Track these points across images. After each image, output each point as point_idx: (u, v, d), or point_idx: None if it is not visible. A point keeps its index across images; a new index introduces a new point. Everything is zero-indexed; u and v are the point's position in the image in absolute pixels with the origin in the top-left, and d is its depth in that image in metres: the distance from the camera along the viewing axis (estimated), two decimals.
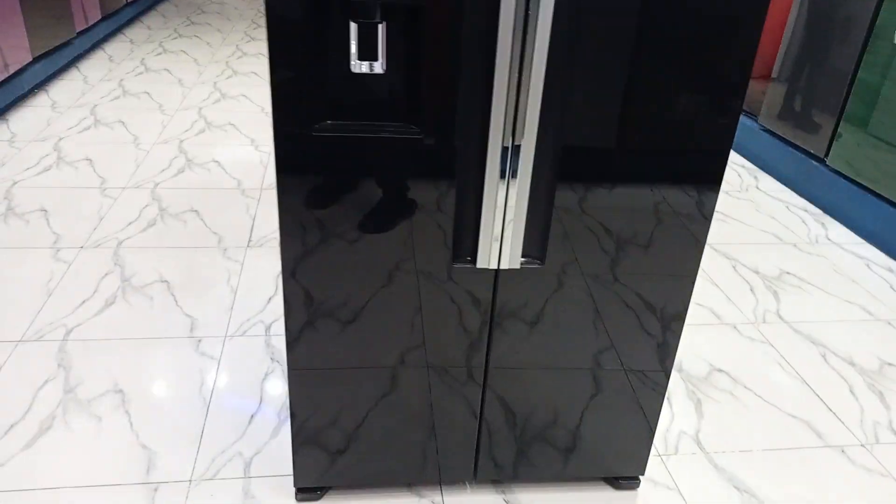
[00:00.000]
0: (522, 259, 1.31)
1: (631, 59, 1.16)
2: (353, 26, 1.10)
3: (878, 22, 2.94)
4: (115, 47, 5.18)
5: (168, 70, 4.71)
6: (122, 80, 4.44)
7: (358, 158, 1.20)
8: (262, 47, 5.50)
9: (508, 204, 1.24)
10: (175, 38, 5.57)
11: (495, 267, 1.29)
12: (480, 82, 1.15)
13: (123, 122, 3.71)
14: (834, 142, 3.17)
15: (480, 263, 1.28)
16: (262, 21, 6.49)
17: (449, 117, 1.18)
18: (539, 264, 1.31)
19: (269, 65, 1.13)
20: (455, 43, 1.12)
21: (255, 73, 4.78)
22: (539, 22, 1.08)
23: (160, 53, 5.11)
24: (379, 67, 1.14)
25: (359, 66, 1.13)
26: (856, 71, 3.05)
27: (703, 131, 1.24)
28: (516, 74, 1.13)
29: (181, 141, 3.51)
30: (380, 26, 1.11)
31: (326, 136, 1.17)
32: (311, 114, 1.16)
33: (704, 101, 1.21)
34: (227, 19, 6.44)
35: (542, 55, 1.11)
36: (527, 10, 1.08)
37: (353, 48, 1.12)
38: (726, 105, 1.22)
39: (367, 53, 1.13)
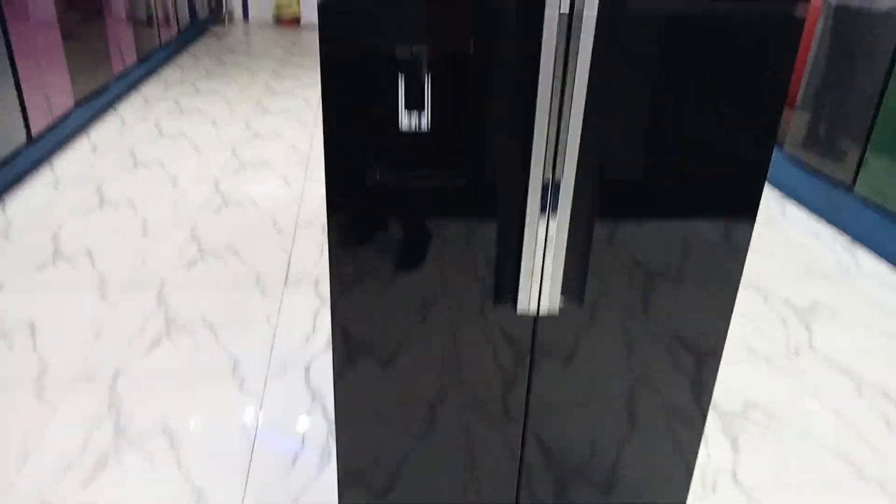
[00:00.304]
0: (561, 296, 1.35)
1: (665, 94, 1.21)
2: (401, 77, 1.17)
3: None
4: (150, 88, 5.37)
5: (201, 110, 4.87)
6: (157, 120, 4.59)
7: (406, 206, 1.26)
8: (289, 85, 5.65)
9: (549, 237, 1.28)
10: (207, 78, 5.75)
11: (536, 306, 1.34)
12: (520, 125, 1.20)
13: (161, 163, 3.84)
14: (861, 169, 3.18)
15: (521, 303, 1.33)
16: (289, 59, 6.68)
17: (491, 159, 1.24)
18: (578, 304, 1.35)
19: (323, 117, 1.20)
20: (497, 88, 1.19)
21: (285, 111, 4.92)
22: (578, 63, 1.14)
23: (193, 93, 5.28)
24: (425, 119, 1.20)
25: (407, 120, 1.20)
26: (881, 97, 3.07)
27: (737, 165, 1.28)
28: (556, 115, 1.19)
29: (217, 180, 3.63)
30: (426, 76, 1.18)
31: (376, 186, 1.24)
32: (362, 162, 1.23)
33: (738, 136, 1.26)
34: (256, 58, 6.63)
35: (580, 95, 1.16)
36: (566, 52, 1.14)
37: (401, 98, 1.19)
38: (760, 139, 1.26)
39: (415, 102, 1.20)
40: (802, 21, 1.17)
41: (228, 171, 3.78)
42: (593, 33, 1.12)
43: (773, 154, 3.68)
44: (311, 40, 7.62)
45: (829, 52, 3.42)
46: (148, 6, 5.67)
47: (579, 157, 1.22)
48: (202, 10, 7.60)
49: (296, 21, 8.30)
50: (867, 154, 3.14)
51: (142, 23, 5.48)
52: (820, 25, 3.47)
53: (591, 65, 1.15)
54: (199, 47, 6.97)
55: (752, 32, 1.18)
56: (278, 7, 8.28)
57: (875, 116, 3.11)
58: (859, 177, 3.19)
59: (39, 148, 3.67)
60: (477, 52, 1.16)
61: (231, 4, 8.40)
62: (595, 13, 1.11)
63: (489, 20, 1.14)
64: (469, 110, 1.21)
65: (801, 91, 3.64)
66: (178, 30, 6.58)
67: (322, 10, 1.11)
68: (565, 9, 1.11)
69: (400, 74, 1.17)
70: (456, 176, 1.25)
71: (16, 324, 2.30)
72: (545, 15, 1.11)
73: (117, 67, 4.87)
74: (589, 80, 1.16)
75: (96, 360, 2.14)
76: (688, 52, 1.18)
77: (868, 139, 3.15)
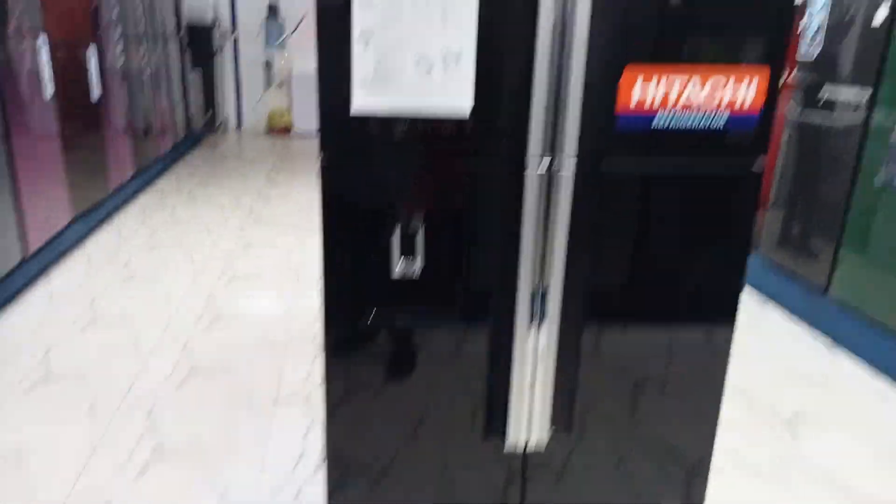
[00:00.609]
0: (550, 426, 1.39)
1: (642, 235, 1.31)
2: (396, 233, 1.27)
3: (862, 160, 3.14)
4: (147, 198, 5.52)
5: (196, 218, 5.00)
6: (153, 231, 4.71)
7: (402, 344, 1.33)
8: (282, 191, 5.83)
9: (539, 345, 1.33)
10: (202, 186, 5.93)
11: (525, 440, 1.38)
12: (509, 273, 1.29)
13: (155, 276, 3.92)
14: (834, 272, 3.30)
15: (510, 438, 1.38)
16: (281, 165, 6.91)
17: (482, 300, 1.31)
18: (567, 433, 1.40)
19: (322, 264, 1.28)
20: (485, 238, 1.28)
21: (277, 218, 5.06)
22: (559, 213, 1.24)
23: (189, 202, 5.43)
24: (416, 267, 1.29)
25: (399, 269, 1.28)
26: (848, 202, 3.22)
27: (714, 275, 1.36)
28: (539, 261, 1.28)
29: (210, 293, 3.70)
30: (419, 231, 1.27)
31: (373, 327, 1.31)
32: (358, 307, 1.30)
33: (713, 249, 1.34)
34: (249, 165, 6.86)
35: (561, 247, 1.26)
36: (548, 203, 1.24)
37: (396, 248, 1.28)
38: (732, 264, 1.35)
39: (407, 250, 1.29)
40: (760, 174, 1.29)
41: (221, 283, 3.85)
42: (571, 189, 1.23)
43: (750, 257, 3.76)
44: (302, 147, 7.91)
45: (797, 159, 3.62)
46: (146, 117, 5.92)
47: (563, 291, 1.30)
48: (198, 121, 7.91)
49: (286, 130, 8.63)
50: (839, 257, 3.27)
51: (140, 134, 5.70)
52: (785, 137, 3.69)
53: (571, 214, 1.25)
54: (194, 156, 7.21)
55: (717, 185, 1.30)
56: (271, 117, 8.63)
57: (844, 223, 3.25)
58: (834, 279, 3.31)
59: (35, 264, 3.75)
60: (466, 206, 1.26)
61: (226, 114, 8.75)
62: (571, 173, 1.22)
63: (478, 179, 1.25)
64: (460, 255, 1.30)
65: (772, 191, 3.80)
66: (175, 140, 6.83)
67: (324, 171, 1.21)
68: (543, 170, 1.22)
69: (395, 228, 1.27)
70: (448, 314, 1.33)
71: (2, 450, 2.30)
72: (526, 174, 1.22)
73: (115, 181, 5.03)
74: (570, 228, 1.26)
75: (85, 487, 2.13)
76: (660, 203, 1.29)
77: (839, 243, 3.28)
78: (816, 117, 3.42)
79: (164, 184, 6.01)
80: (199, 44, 7.96)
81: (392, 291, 1.31)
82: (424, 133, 1.18)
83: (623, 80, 1.18)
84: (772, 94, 1.21)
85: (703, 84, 1.19)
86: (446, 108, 1.17)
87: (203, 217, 5.05)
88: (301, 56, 8.63)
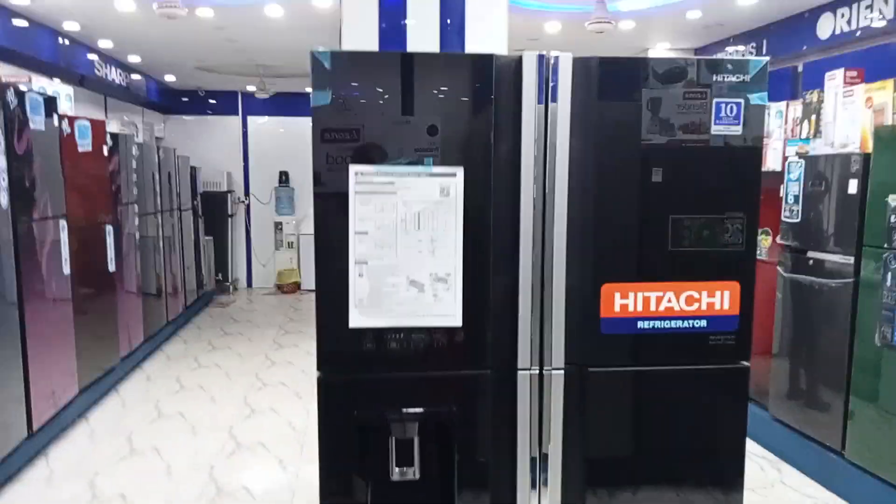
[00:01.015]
0: None
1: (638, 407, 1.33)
2: (393, 441, 1.30)
3: (858, 317, 3.16)
4: (153, 364, 5.56)
5: (201, 386, 5.01)
6: (157, 401, 4.70)
7: None
8: (288, 355, 5.88)
9: None
10: (209, 351, 5.99)
11: None
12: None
13: (157, 449, 3.87)
14: (847, 431, 3.23)
15: None
16: (289, 326, 7.01)
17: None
18: None
19: (320, 475, 1.29)
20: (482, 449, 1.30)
21: (283, 384, 5.06)
22: (552, 414, 1.27)
23: (195, 368, 5.46)
24: (412, 474, 1.31)
25: (398, 474, 1.30)
26: (850, 359, 3.20)
27: (716, 447, 1.35)
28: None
29: (212, 467, 3.63)
30: (415, 439, 1.30)
31: None
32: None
33: (711, 409, 1.34)
34: (257, 326, 6.96)
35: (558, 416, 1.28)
36: (540, 404, 1.27)
37: (393, 457, 1.30)
38: (730, 445, 1.34)
39: (404, 461, 1.31)
40: (748, 369, 1.34)
41: (223, 455, 3.80)
42: (562, 394, 1.28)
43: (761, 415, 3.65)
44: (311, 306, 8.04)
45: (794, 312, 3.65)
46: (158, 284, 6.10)
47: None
48: (209, 282, 8.13)
49: (297, 287, 8.84)
50: (850, 415, 3.21)
51: (151, 298, 5.85)
52: (779, 293, 3.76)
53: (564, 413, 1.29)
54: (203, 318, 7.34)
55: (707, 378, 1.34)
56: (280, 276, 8.88)
57: (849, 378, 3.23)
58: (847, 439, 3.23)
59: (38, 441, 3.73)
60: (462, 412, 1.31)
61: (236, 275, 9.01)
62: (562, 374, 1.28)
63: (470, 386, 1.31)
64: (455, 463, 1.32)
65: (775, 343, 3.77)
66: (185, 304, 6.99)
67: (322, 385, 1.27)
68: (535, 369, 1.28)
69: (391, 439, 1.30)
70: None
71: None
72: (517, 374, 1.28)
73: (124, 349, 5.10)
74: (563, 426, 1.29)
75: None
76: (652, 398, 1.33)
77: (847, 400, 3.23)
78: (806, 276, 3.52)
79: (172, 348, 6.07)
80: (213, 210, 8.37)
81: (391, 493, 1.32)
82: (418, 345, 1.25)
83: (602, 296, 1.27)
84: (746, 300, 1.29)
85: (678, 297, 1.28)
86: (437, 324, 1.25)
87: (207, 384, 5.06)
88: (310, 219, 9.03)
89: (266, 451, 3.87)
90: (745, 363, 1.32)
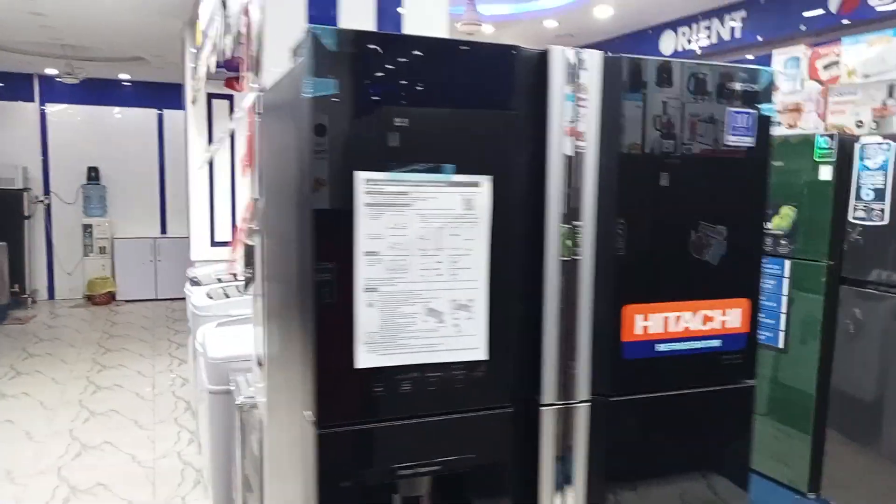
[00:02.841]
0: None
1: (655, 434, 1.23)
2: (399, 501, 1.09)
3: None
4: None
5: (11, 421, 4.21)
6: None
7: None
8: (115, 376, 5.16)
9: None
10: (13, 377, 5.08)
11: None
12: None
13: None
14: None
15: None
16: (109, 343, 6.19)
17: None
18: None
19: None
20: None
21: (116, 412, 4.41)
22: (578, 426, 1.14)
23: None
24: None
25: None
26: None
27: (724, 470, 1.29)
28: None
29: None
30: (424, 500, 1.10)
31: None
32: None
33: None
34: (71, 345, 6.06)
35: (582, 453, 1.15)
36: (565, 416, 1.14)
37: None
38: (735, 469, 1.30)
39: None
40: (754, 387, 1.30)
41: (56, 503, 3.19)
42: (586, 429, 1.15)
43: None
44: (131, 318, 7.19)
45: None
46: None
47: None
48: (2, 294, 6.95)
49: (111, 297, 7.86)
50: None
51: None
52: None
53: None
54: (0, 339, 6.24)
55: (718, 398, 1.28)
56: (90, 285, 7.83)
57: None
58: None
59: None
60: (481, 457, 1.12)
61: (34, 284, 7.80)
62: (588, 407, 1.15)
63: (492, 426, 1.13)
64: None
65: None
66: None
67: (323, 441, 1.02)
68: (560, 404, 1.14)
69: (394, 497, 1.09)
70: None
71: None
72: (541, 412, 1.12)
73: None
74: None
75: None
76: (668, 421, 1.25)
77: None
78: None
79: None
80: (5, 210, 7.17)
81: None
82: (433, 384, 1.06)
83: (623, 318, 1.16)
84: (754, 317, 1.25)
85: (695, 316, 1.21)
86: (459, 359, 1.06)
87: (19, 420, 4.27)
88: (125, 220, 8.09)
89: (110, 493, 3.32)
90: (751, 382, 1.28)
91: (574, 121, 1.10)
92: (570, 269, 1.11)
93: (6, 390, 4.80)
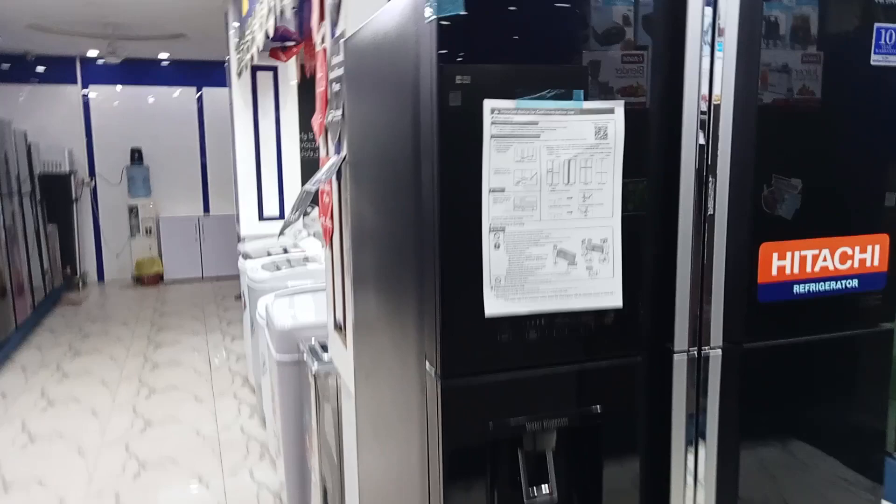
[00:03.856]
0: None
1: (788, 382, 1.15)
2: (520, 456, 1.02)
3: None
4: (5, 380, 4.69)
5: (76, 398, 4.28)
6: (23, 421, 3.94)
7: None
8: (171, 353, 5.22)
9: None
10: (73, 357, 5.17)
11: None
12: None
13: (40, 481, 3.21)
14: None
15: None
16: (162, 321, 6.26)
17: None
18: None
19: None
20: (628, 459, 1.07)
21: (175, 387, 4.46)
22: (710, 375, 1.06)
23: (60, 379, 4.67)
24: (552, 495, 1.04)
25: (530, 497, 1.03)
26: None
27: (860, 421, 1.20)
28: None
29: (117, 494, 3.07)
30: (549, 453, 1.03)
31: None
32: None
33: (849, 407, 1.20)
34: (124, 324, 6.15)
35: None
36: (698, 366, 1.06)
37: (523, 476, 1.03)
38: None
39: (537, 479, 1.04)
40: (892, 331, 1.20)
41: (127, 478, 3.23)
42: (720, 371, 1.07)
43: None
44: (179, 297, 7.27)
45: None
46: (1, 278, 5.15)
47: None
48: (56, 277, 7.08)
49: (159, 278, 7.96)
50: None
51: None
52: None
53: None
54: (55, 319, 6.35)
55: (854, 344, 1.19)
56: (138, 266, 7.93)
57: None
58: None
59: None
60: (610, 410, 1.05)
61: (83, 266, 7.93)
62: (720, 354, 1.07)
63: (621, 376, 1.05)
64: (599, 480, 1.07)
65: None
66: (34, 304, 6.01)
67: (448, 393, 0.95)
68: (693, 350, 1.06)
69: (519, 453, 1.02)
70: None
71: None
72: (673, 358, 1.05)
73: None
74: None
75: None
76: (802, 369, 1.16)
77: None
78: None
79: (26, 358, 5.17)
80: (55, 194, 7.27)
81: None
82: (561, 332, 0.98)
83: (760, 257, 1.07)
84: (893, 255, 1.15)
85: (833, 254, 1.11)
86: (592, 305, 0.98)
87: (82, 396, 4.34)
88: (168, 200, 8.15)
89: (178, 467, 3.35)
90: (890, 325, 1.18)
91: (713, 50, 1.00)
92: (703, 216, 1.03)
93: (68, 369, 4.88)
